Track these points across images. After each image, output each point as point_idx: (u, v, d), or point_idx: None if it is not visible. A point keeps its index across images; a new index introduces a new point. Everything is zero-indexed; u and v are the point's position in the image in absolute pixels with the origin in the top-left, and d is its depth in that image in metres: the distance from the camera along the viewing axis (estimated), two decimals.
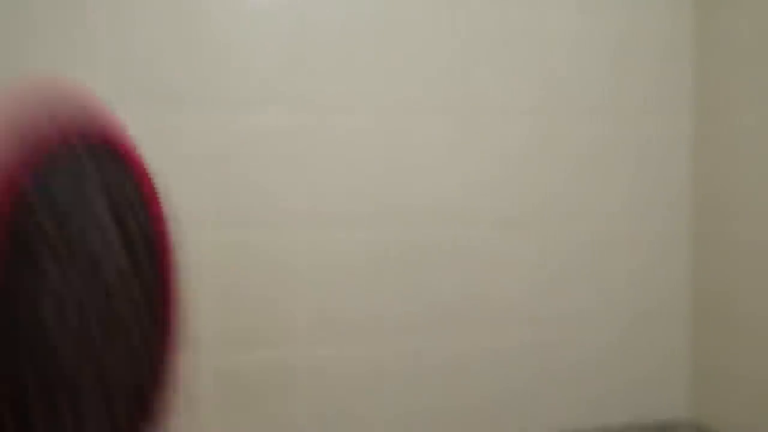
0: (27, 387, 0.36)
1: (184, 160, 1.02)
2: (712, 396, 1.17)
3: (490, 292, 1.14)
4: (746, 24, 1.08)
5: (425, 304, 1.12)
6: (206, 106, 1.01)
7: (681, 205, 1.25)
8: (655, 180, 1.23)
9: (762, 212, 1.02)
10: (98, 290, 0.47)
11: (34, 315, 0.38)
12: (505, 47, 1.14)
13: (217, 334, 1.02)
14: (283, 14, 1.03)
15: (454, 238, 1.12)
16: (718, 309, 1.16)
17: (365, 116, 1.10)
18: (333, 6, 1.07)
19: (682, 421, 1.22)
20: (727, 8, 1.12)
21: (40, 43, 0.93)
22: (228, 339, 1.02)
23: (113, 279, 0.49)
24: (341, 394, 1.08)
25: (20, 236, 0.38)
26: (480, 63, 1.13)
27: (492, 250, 1.14)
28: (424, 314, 1.12)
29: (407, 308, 1.12)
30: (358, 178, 1.11)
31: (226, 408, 1.01)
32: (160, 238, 0.58)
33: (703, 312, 1.21)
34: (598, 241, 1.20)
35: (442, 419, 1.12)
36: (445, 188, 1.12)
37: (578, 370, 1.19)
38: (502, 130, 1.14)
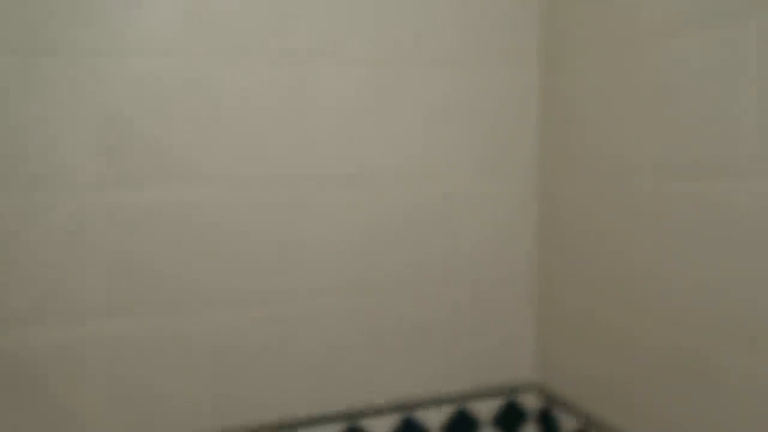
0: None
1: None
2: (556, 360, 1.22)
3: (320, 254, 1.11)
4: None
5: (247, 271, 1.07)
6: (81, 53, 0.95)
7: (529, 165, 1.24)
8: (504, 138, 1.22)
9: (605, 173, 1.02)
10: None
11: None
12: None
13: None
14: None
15: (283, 196, 1.08)
16: (562, 273, 1.20)
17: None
18: None
19: (527, 385, 1.26)
20: None
21: None
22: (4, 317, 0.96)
23: None
24: (142, 371, 1.03)
25: None
26: (307, 6, 1.07)
27: (324, 210, 1.11)
28: (247, 282, 1.07)
29: (230, 276, 1.07)
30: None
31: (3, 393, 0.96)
32: None
33: (548, 277, 1.24)
34: (442, 201, 1.18)
35: (264, 393, 1.10)
36: (278, 145, 1.07)
37: (422, 335, 1.18)
38: (338, 81, 1.10)
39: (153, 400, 1.04)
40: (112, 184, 0.99)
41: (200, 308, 1.05)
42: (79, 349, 1.00)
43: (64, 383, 0.99)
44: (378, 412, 1.16)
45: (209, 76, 1.03)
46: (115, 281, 1.00)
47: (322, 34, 1.09)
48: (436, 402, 1.21)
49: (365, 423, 1.15)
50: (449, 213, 1.20)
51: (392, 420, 1.17)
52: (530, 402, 1.28)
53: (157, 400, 1.04)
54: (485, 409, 1.24)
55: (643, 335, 1.00)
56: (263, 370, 1.09)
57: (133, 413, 1.03)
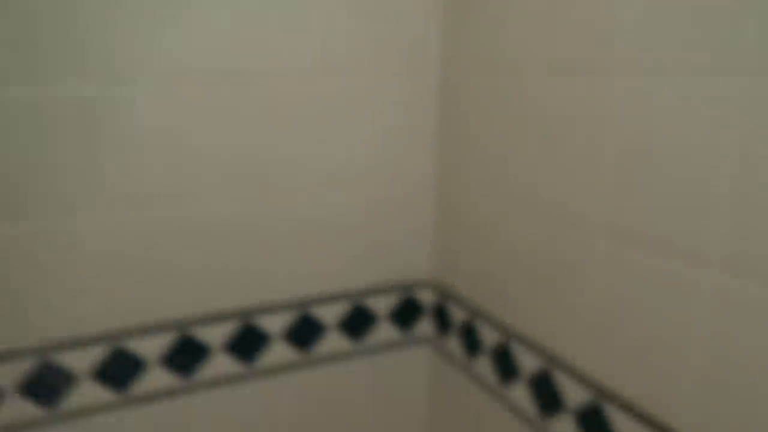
0: None
1: None
2: (450, 259, 1.26)
3: (210, 155, 1.07)
4: None
5: (136, 171, 1.02)
6: None
7: (430, 62, 1.22)
8: (405, 33, 1.17)
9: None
10: None
11: None
12: None
13: None
14: None
15: (173, 93, 1.01)
16: (459, 175, 1.22)
17: None
18: None
19: (423, 282, 1.30)
20: None
21: None
22: None
23: None
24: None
25: None
26: None
27: (214, 107, 1.05)
28: (135, 183, 1.02)
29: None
30: None
31: None
32: None
33: (445, 178, 1.27)
34: (339, 97, 1.15)
35: (159, 295, 1.08)
36: (171, 39, 1.00)
37: (319, 234, 1.19)
38: None
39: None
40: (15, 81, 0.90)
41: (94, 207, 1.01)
42: None
43: None
44: (273, 309, 1.18)
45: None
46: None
47: None
48: (333, 298, 1.23)
49: (261, 320, 1.17)
50: (346, 109, 1.16)
51: (288, 316, 1.19)
52: (426, 297, 1.33)
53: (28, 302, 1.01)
54: (382, 305, 1.28)
55: (521, 236, 1.03)
56: (151, 274, 1.07)
57: None
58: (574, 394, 0.95)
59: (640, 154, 0.80)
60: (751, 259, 0.68)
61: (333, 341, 1.25)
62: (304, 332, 1.22)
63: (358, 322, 1.27)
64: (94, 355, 1.06)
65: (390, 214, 1.25)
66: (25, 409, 1.03)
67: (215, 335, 1.14)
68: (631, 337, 0.84)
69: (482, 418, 1.19)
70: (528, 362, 1.05)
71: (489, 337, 1.15)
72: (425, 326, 1.34)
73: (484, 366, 1.17)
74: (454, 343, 1.27)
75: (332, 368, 1.26)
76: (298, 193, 1.16)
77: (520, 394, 1.08)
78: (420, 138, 1.25)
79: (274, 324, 1.19)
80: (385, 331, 1.30)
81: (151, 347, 1.09)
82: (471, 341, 1.21)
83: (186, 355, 1.12)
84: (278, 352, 1.20)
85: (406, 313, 1.32)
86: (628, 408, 0.86)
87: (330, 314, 1.23)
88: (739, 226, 0.69)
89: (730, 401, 0.72)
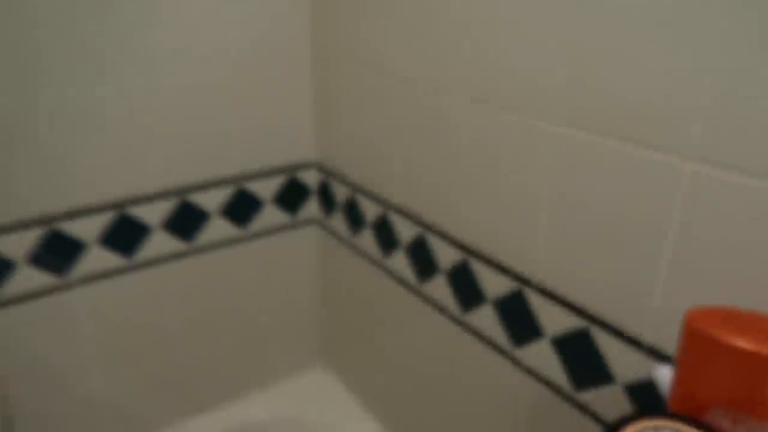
0: None
1: None
2: (331, 139, 1.27)
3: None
4: None
5: None
6: None
7: None
8: None
9: None
10: None
11: None
12: None
13: None
14: None
15: None
16: (335, 54, 1.20)
17: None
18: None
19: (307, 163, 1.30)
20: None
21: None
22: None
23: None
24: None
25: None
26: None
27: None
28: None
29: None
30: None
31: None
32: None
33: (322, 60, 1.24)
34: None
35: (30, 186, 1.03)
36: None
37: (201, 116, 1.15)
38: None
39: None
40: None
41: None
42: None
43: None
44: (149, 198, 1.14)
45: None
46: None
47: None
48: (214, 184, 1.21)
49: (137, 210, 1.13)
50: None
51: (167, 205, 1.16)
52: (311, 179, 1.33)
53: None
54: (267, 188, 1.27)
55: (396, 111, 1.04)
56: (25, 164, 1.00)
57: None
58: (446, 255, 1.01)
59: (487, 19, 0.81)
60: (583, 111, 0.72)
61: (218, 228, 1.24)
62: (185, 221, 1.19)
63: (242, 208, 1.26)
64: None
65: (269, 98, 1.22)
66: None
67: (87, 229, 1.10)
68: (467, 195, 0.89)
69: (369, 287, 1.25)
70: (405, 231, 1.10)
71: (370, 211, 1.18)
72: (311, 207, 1.36)
73: (368, 239, 1.21)
74: (339, 221, 1.29)
75: (219, 255, 1.26)
76: (170, 66, 1.09)
77: (401, 261, 1.13)
78: (296, 20, 1.19)
79: (152, 214, 1.15)
80: (271, 215, 1.30)
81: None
82: (354, 217, 1.24)
83: (57, 251, 1.08)
84: (159, 242, 1.18)
85: (292, 196, 1.32)
86: (490, 262, 0.92)
87: (211, 200, 1.21)
88: (574, 76, 0.73)
89: (576, 253, 0.79)
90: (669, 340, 0.71)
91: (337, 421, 1.37)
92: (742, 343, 0.47)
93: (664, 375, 0.64)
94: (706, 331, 0.49)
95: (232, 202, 1.24)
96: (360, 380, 1.41)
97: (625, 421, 0.51)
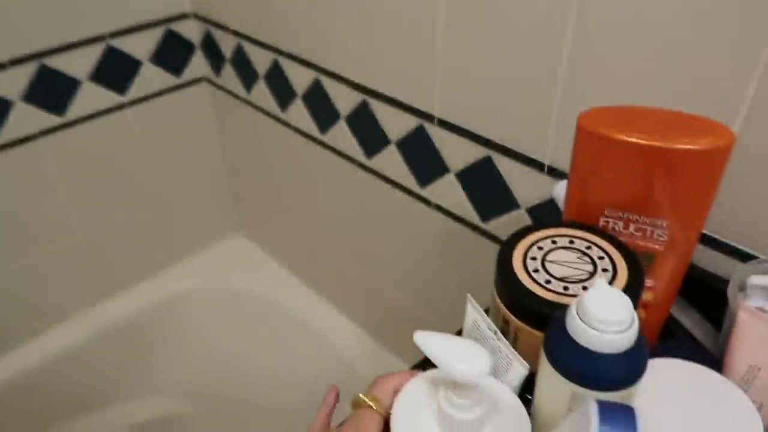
0: None
1: None
2: None
3: None
4: None
5: None
6: None
7: None
8: None
9: None
10: None
11: None
12: None
13: None
14: None
15: None
16: None
17: None
18: None
19: (182, 13, 1.16)
20: None
21: None
22: None
23: None
24: None
25: None
26: None
27: None
28: None
29: None
30: None
31: None
32: None
33: None
34: None
35: None
36: None
37: None
38: None
39: None
40: None
41: None
42: None
43: None
44: (3, 66, 0.99)
45: None
46: None
47: None
48: (79, 45, 1.05)
49: None
50: None
51: (24, 72, 1.01)
52: (190, 31, 1.19)
53: None
54: (142, 46, 1.13)
55: None
56: None
57: None
58: (345, 99, 0.94)
59: None
60: None
61: (90, 96, 1.10)
62: (49, 90, 1.05)
63: (116, 70, 1.12)
64: None
65: None
66: None
67: None
68: (386, 38, 0.81)
69: (271, 144, 1.18)
70: (300, 79, 1.01)
71: (260, 61, 1.07)
72: (198, 64, 1.23)
73: (263, 93, 1.11)
74: (230, 76, 1.18)
75: (100, 125, 1.14)
76: None
77: (300, 112, 1.05)
78: None
79: (10, 87, 1.01)
80: (153, 76, 1.17)
81: None
82: (244, 70, 1.13)
83: None
84: (20, 117, 1.04)
85: (173, 52, 1.18)
86: (390, 101, 0.86)
87: (78, 65, 1.07)
88: None
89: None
90: (568, 158, 0.69)
91: (261, 286, 1.35)
92: (634, 137, 0.44)
93: (562, 190, 0.63)
94: (597, 131, 0.46)
95: (103, 65, 1.09)
96: (278, 242, 1.38)
97: (518, 235, 0.50)
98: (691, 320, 0.61)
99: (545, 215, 0.75)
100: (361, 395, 0.46)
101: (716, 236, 0.59)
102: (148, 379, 1.35)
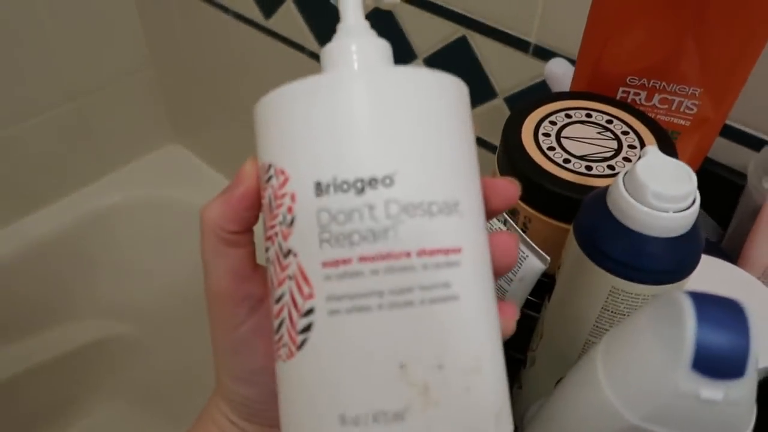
0: None
1: None
2: None
3: None
4: None
5: None
6: None
7: None
8: None
9: None
10: None
11: None
12: None
13: None
14: None
15: None
16: None
17: None
18: None
19: None
20: None
21: None
22: None
23: None
24: None
25: None
26: None
27: None
28: None
29: None
30: None
31: None
32: None
33: None
34: None
35: None
36: None
37: None
38: None
39: None
40: None
41: None
42: None
43: None
44: None
45: None
46: None
47: None
48: None
49: None
50: None
51: None
52: None
53: None
54: None
55: None
56: None
57: None
58: None
59: None
60: None
61: None
62: None
63: None
64: None
65: None
66: None
67: None
68: None
69: (202, 30, 1.03)
70: None
71: None
72: None
73: None
74: None
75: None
76: None
77: None
78: None
79: None
80: None
81: None
82: None
83: None
84: None
85: None
86: None
87: None
88: None
89: None
90: (558, 34, 0.60)
91: (195, 194, 1.23)
92: None
93: (558, 67, 0.54)
94: None
95: None
96: (217, 149, 1.25)
97: (525, 109, 0.41)
98: None
99: None
100: None
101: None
102: (85, 300, 1.23)
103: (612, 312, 0.31)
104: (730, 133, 0.53)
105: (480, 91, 0.71)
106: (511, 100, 0.69)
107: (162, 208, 1.25)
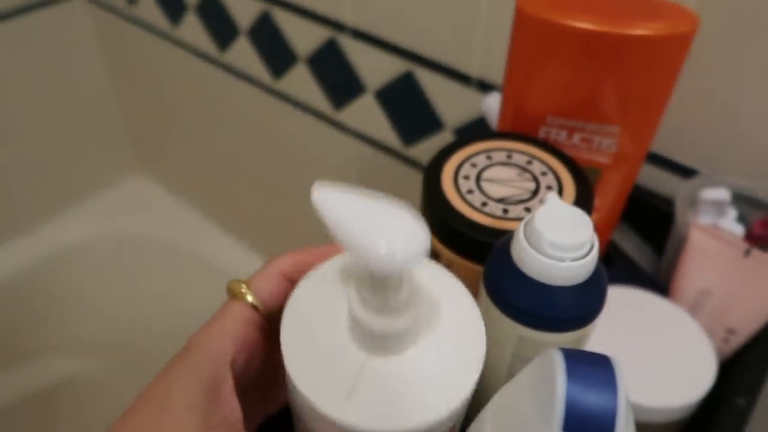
0: None
1: None
2: None
3: None
4: None
5: None
6: None
7: None
8: None
9: None
10: None
11: None
12: None
13: None
14: None
15: None
16: None
17: None
18: None
19: None
20: None
21: None
22: None
23: None
24: None
25: None
26: None
27: None
28: None
29: None
30: None
31: None
32: None
33: None
34: None
35: None
36: None
37: None
38: None
39: None
40: None
41: None
42: None
43: None
44: None
45: None
46: None
47: None
48: None
49: None
50: None
51: None
52: None
53: None
54: None
55: None
56: None
57: None
58: (244, 9, 0.81)
59: None
60: None
61: None
62: None
63: None
64: None
65: None
66: None
67: None
68: None
69: (164, 67, 1.03)
70: None
71: None
72: None
73: (149, 6, 0.96)
74: None
75: None
76: None
77: (193, 27, 0.91)
78: None
79: None
80: None
81: None
82: None
83: None
84: None
85: None
86: (296, 10, 0.75)
87: None
88: None
89: None
90: (499, 69, 0.61)
91: (165, 229, 1.22)
92: (581, 23, 0.36)
93: (493, 102, 0.55)
94: (539, 15, 0.38)
95: None
96: (180, 180, 1.25)
97: (447, 151, 0.41)
98: (630, 243, 0.56)
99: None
100: (235, 280, 0.33)
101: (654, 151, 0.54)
102: (45, 339, 1.21)
103: (523, 359, 0.31)
104: (663, 163, 0.54)
105: (428, 123, 0.72)
106: (459, 132, 0.70)
107: (124, 242, 1.23)
